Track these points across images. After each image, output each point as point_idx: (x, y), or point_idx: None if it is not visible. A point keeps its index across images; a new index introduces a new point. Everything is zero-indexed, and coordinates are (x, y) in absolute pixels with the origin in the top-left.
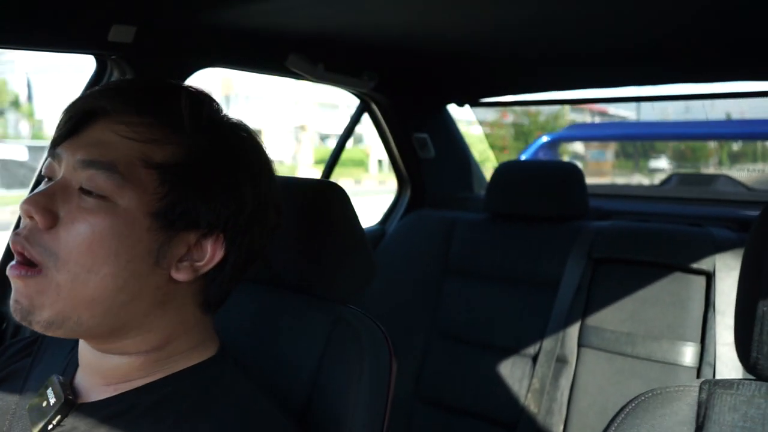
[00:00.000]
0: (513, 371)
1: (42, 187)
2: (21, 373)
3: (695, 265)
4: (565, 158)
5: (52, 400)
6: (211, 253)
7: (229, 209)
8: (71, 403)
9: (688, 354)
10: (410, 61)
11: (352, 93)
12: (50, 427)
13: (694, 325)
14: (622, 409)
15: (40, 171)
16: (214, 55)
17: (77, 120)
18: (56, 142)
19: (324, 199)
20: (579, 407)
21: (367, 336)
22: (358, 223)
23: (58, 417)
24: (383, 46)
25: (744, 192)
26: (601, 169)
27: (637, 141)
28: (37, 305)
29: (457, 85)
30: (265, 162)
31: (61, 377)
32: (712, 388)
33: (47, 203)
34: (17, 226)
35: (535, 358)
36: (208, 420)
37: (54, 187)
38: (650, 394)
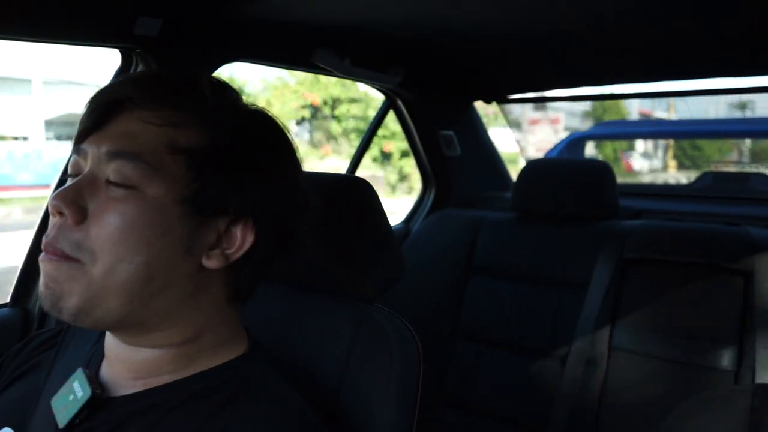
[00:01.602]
0: (541, 373)
1: (69, 183)
2: (45, 365)
3: (733, 266)
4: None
5: (79, 394)
6: (242, 239)
7: (256, 193)
8: (99, 398)
9: (726, 357)
10: (437, 55)
11: (378, 89)
12: (77, 421)
13: (732, 328)
14: (668, 413)
15: (64, 170)
16: (240, 49)
17: (101, 112)
18: (81, 138)
19: (351, 195)
20: (610, 411)
21: (395, 336)
22: (386, 219)
23: (86, 411)
24: (410, 41)
25: None
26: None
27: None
28: (67, 291)
29: (485, 81)
30: (289, 146)
31: (87, 370)
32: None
33: (75, 197)
34: (43, 225)
35: (564, 360)
36: (238, 418)
37: (81, 182)
38: (698, 398)
